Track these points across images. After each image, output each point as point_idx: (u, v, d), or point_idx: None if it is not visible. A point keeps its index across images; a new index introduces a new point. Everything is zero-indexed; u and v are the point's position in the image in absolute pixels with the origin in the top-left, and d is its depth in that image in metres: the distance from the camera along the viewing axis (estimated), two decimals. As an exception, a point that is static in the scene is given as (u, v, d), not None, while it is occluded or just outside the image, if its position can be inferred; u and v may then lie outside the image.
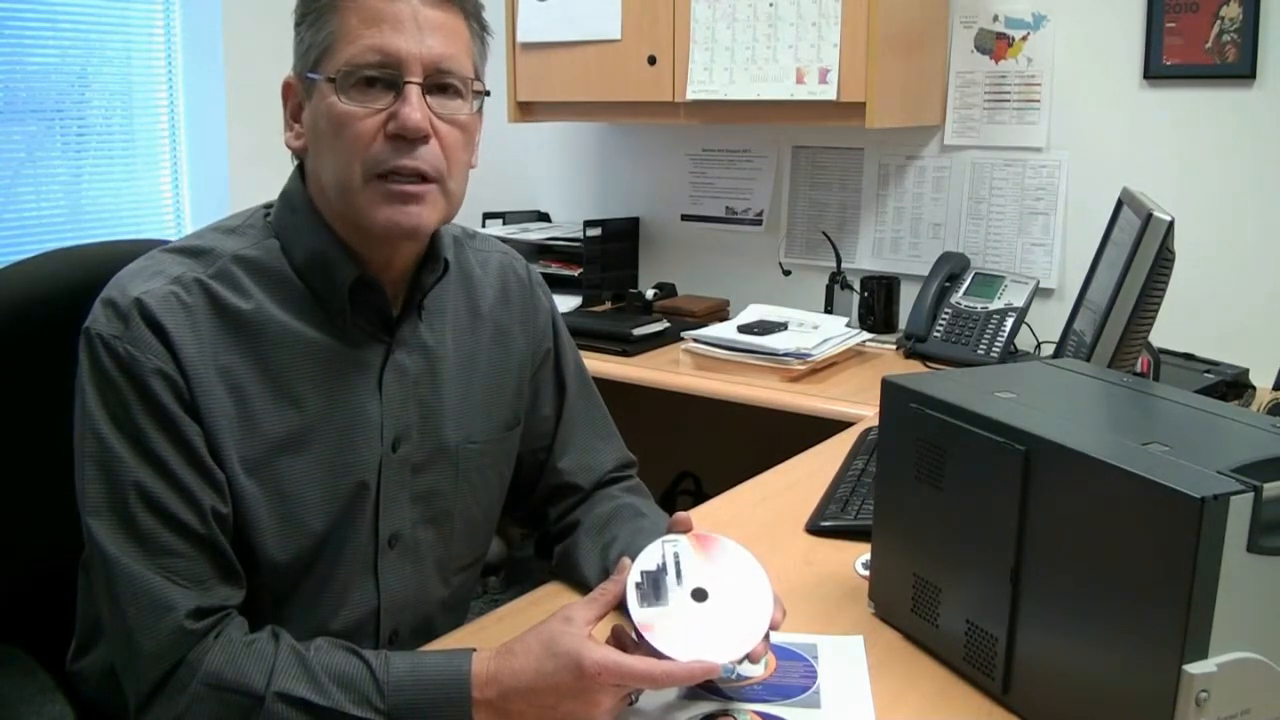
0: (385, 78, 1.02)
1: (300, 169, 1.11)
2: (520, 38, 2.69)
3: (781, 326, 2.35)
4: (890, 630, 1.13)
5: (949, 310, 2.36)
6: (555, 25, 2.63)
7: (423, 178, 1.03)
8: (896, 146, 2.65)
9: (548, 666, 0.92)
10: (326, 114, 1.03)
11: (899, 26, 2.32)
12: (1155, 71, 2.29)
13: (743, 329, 2.33)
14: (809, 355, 2.20)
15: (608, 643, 0.97)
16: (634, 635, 0.96)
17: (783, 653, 1.08)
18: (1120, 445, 0.90)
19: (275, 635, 0.98)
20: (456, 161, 1.07)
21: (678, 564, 1.01)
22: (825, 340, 2.28)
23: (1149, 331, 1.51)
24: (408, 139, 1.02)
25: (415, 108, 1.01)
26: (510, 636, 0.97)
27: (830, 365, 2.28)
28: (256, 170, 2.16)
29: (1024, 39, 2.44)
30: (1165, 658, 0.81)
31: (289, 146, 1.10)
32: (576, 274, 2.83)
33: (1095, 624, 0.87)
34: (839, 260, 2.66)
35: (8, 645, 1.17)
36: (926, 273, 2.45)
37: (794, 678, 1.04)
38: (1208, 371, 1.95)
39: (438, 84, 1.04)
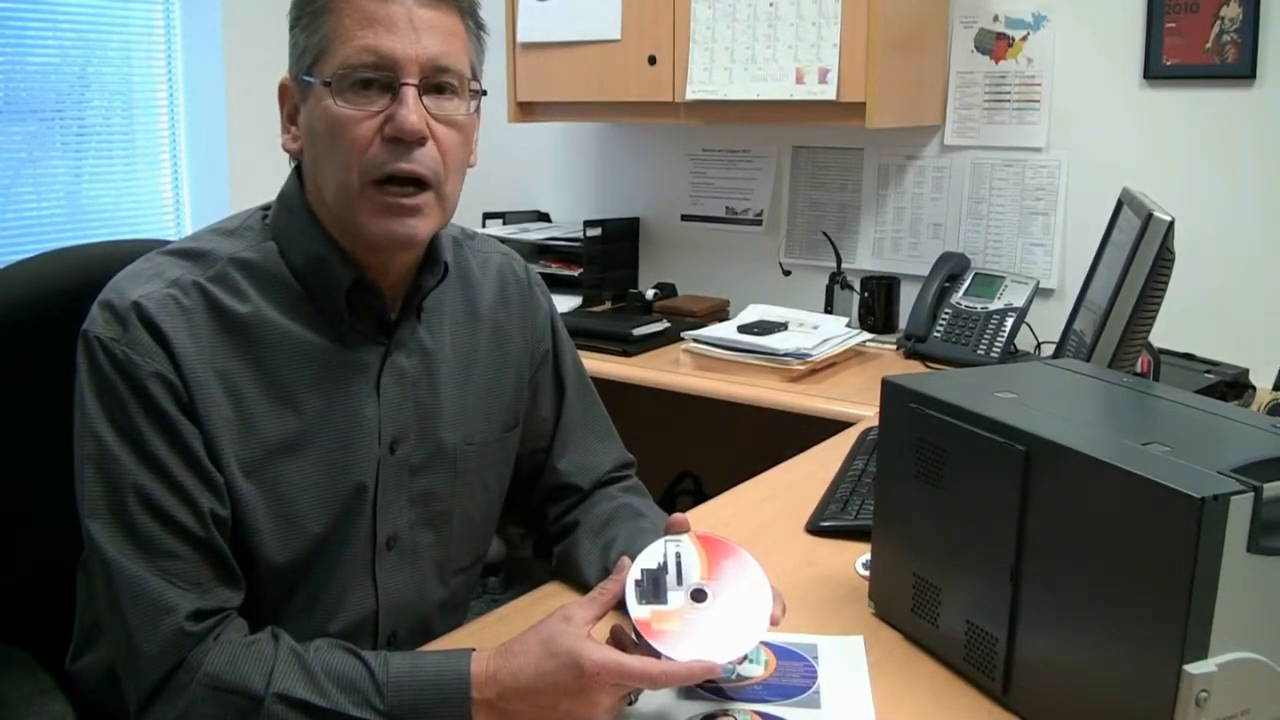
0: (381, 79, 1.01)
1: (298, 170, 1.10)
2: (520, 38, 2.69)
3: (781, 326, 2.35)
4: (890, 630, 1.13)
5: (949, 310, 2.36)
6: (555, 25, 2.63)
7: (420, 183, 1.03)
8: (896, 146, 2.64)
9: (547, 666, 0.92)
10: (323, 117, 1.02)
11: (899, 26, 2.32)
12: (1155, 71, 2.29)
13: (743, 329, 2.33)
14: (809, 355, 2.20)
15: (607, 642, 0.97)
16: (633, 635, 0.96)
17: (783, 653, 1.08)
18: (1120, 445, 0.90)
19: (275, 636, 0.98)
20: (454, 163, 1.06)
21: (678, 563, 1.01)
22: (825, 340, 2.27)
23: (1149, 331, 1.51)
24: (405, 142, 1.01)
25: (412, 110, 1.00)
26: (510, 636, 0.97)
27: (830, 365, 2.28)
28: (256, 170, 2.16)
29: (1024, 39, 2.44)
30: (1165, 658, 0.81)
31: (285, 149, 1.10)
32: (576, 274, 2.83)
33: (1095, 624, 0.87)
34: (839, 260, 2.66)
35: (8, 645, 1.17)
36: (926, 273, 2.45)
37: (794, 678, 1.04)
38: (1208, 371, 1.95)
39: (434, 84, 1.03)
